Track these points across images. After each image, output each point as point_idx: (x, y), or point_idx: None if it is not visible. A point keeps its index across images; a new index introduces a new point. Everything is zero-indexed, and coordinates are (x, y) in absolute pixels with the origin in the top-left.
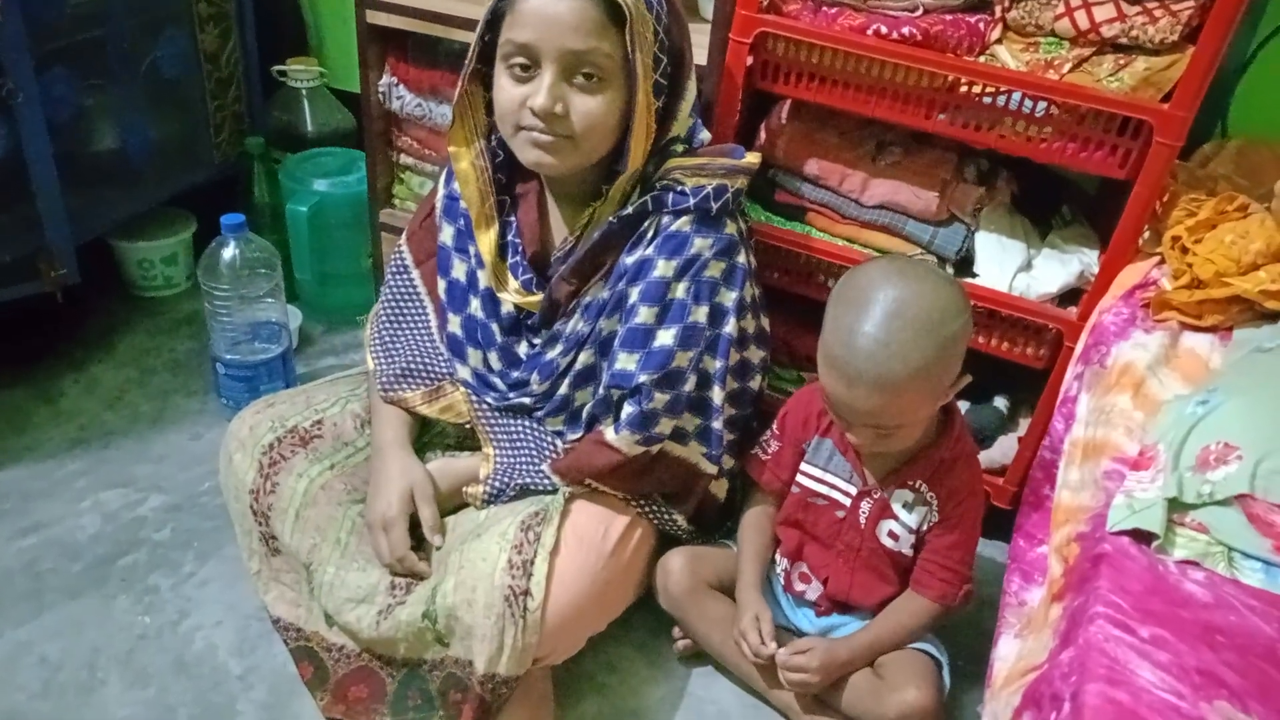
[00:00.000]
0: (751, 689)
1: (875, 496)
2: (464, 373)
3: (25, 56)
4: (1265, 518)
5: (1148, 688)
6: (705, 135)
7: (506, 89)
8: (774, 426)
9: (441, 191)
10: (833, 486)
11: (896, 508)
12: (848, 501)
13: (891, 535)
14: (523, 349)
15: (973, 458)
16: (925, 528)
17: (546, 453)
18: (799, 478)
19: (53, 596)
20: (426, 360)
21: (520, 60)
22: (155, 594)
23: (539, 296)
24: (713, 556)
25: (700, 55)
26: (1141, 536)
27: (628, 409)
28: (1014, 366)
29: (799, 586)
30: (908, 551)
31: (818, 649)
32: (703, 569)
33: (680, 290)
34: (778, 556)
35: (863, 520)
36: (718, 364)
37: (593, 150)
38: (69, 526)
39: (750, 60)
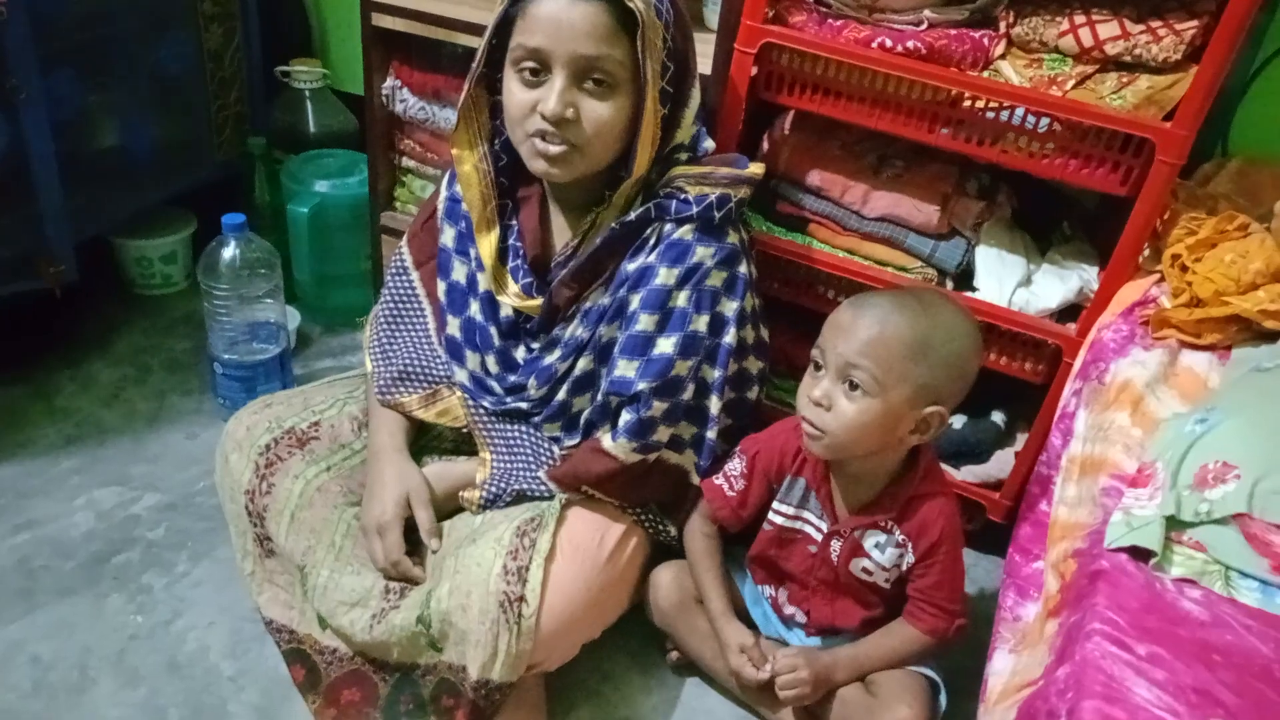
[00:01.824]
0: (744, 702)
1: (845, 535)
2: (461, 376)
3: (30, 54)
4: (1263, 537)
5: (1144, 705)
6: (709, 144)
7: (516, 93)
8: (743, 464)
9: (444, 194)
10: (806, 522)
11: (868, 546)
12: (819, 538)
13: (865, 571)
14: (520, 353)
15: (947, 500)
16: (905, 568)
17: (543, 459)
18: (772, 515)
19: (45, 595)
20: (424, 363)
21: (531, 65)
22: (148, 594)
23: (539, 301)
24: None
25: (705, 65)
26: (1139, 554)
27: (626, 416)
28: (1012, 381)
29: (788, 610)
30: (884, 585)
31: (803, 654)
32: (691, 582)
33: (681, 299)
34: (759, 586)
35: (834, 557)
36: (716, 373)
37: (599, 157)
38: (62, 524)
39: (754, 71)
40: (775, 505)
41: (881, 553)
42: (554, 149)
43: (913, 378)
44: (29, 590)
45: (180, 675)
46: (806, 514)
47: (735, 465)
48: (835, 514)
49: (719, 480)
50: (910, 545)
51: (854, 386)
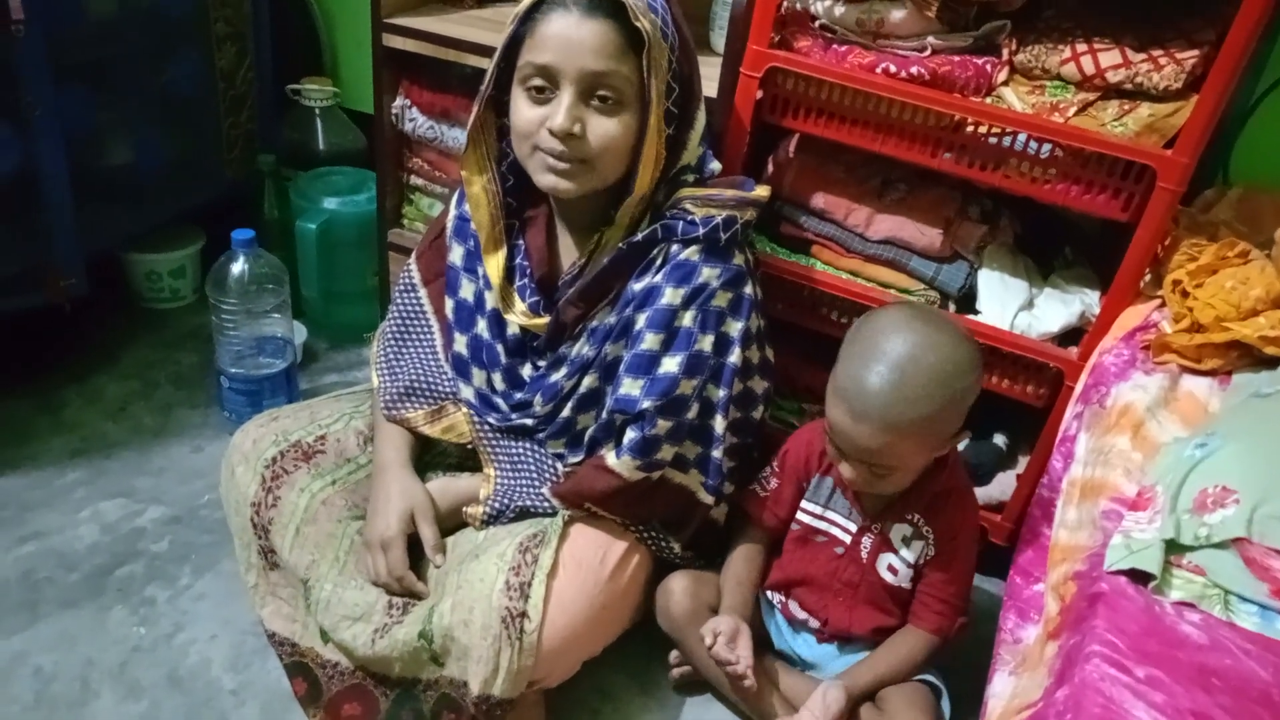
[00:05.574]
0: (747, 716)
1: (875, 531)
2: (467, 393)
3: (44, 72)
4: (1262, 561)
5: None
6: (716, 166)
7: (524, 110)
8: (774, 464)
9: (453, 213)
10: (832, 523)
11: (895, 541)
12: (847, 538)
13: (891, 569)
14: (526, 371)
15: (968, 492)
16: (923, 562)
17: (547, 475)
18: (799, 514)
19: (48, 606)
20: (430, 379)
21: (538, 82)
22: (151, 606)
23: (545, 319)
24: (714, 581)
25: (710, 88)
26: (1138, 577)
27: (630, 434)
28: (1014, 404)
29: (799, 615)
30: (907, 585)
31: (830, 700)
32: (704, 592)
33: (687, 318)
34: (770, 592)
35: (864, 555)
36: (721, 393)
37: (607, 173)
38: (67, 536)
39: (760, 94)
40: (803, 504)
41: (907, 546)
42: (562, 164)
43: (930, 440)
44: (32, 602)
45: (182, 688)
46: (832, 514)
47: (768, 468)
48: (864, 510)
49: (754, 485)
50: (932, 537)
51: (884, 467)
